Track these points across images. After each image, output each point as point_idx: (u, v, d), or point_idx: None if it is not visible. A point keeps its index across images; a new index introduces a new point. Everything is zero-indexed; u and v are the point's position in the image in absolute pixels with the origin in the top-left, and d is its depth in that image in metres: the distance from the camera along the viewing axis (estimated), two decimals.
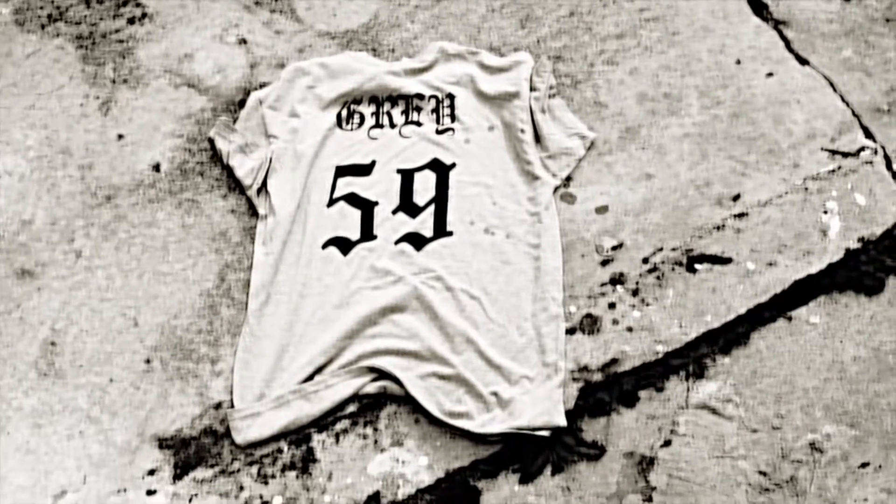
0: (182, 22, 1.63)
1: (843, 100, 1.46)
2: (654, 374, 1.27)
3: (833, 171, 1.40)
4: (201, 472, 1.23)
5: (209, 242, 1.40)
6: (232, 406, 1.26)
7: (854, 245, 1.34)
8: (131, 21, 1.64)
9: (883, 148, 1.41)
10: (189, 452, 1.24)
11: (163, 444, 1.25)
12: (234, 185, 1.44)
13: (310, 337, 1.31)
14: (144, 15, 1.64)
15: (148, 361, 1.31)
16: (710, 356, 1.28)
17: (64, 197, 1.44)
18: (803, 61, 1.51)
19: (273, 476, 1.22)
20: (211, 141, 1.48)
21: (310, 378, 1.28)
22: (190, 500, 1.21)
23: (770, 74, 1.49)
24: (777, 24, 1.56)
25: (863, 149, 1.42)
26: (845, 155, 1.41)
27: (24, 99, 1.54)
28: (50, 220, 1.42)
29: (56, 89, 1.55)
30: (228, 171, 1.45)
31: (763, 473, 1.20)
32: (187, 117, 1.52)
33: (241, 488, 1.21)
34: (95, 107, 1.53)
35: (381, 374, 1.28)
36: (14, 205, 1.44)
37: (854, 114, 1.45)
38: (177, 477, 1.23)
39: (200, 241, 1.40)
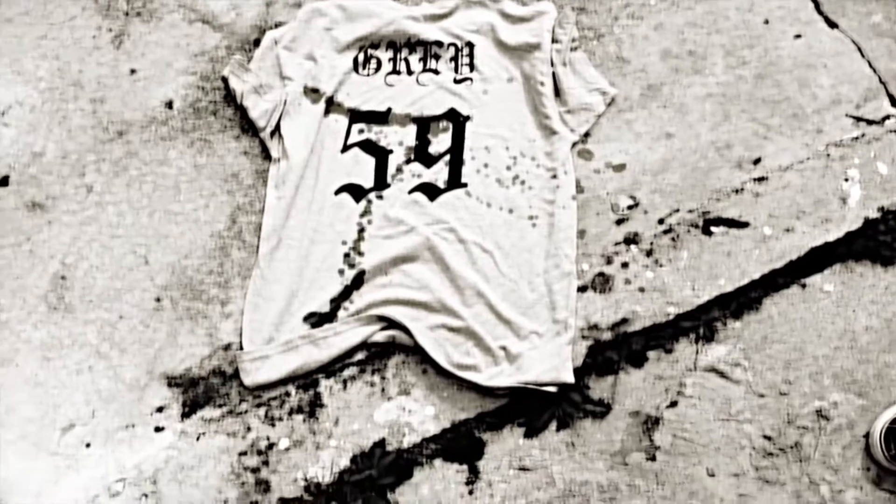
0: None
1: (870, 66, 1.43)
2: (663, 335, 1.27)
3: (857, 138, 1.38)
4: (209, 412, 1.23)
5: (221, 183, 1.38)
6: (241, 348, 1.26)
7: (873, 214, 1.32)
8: None
9: None
10: (197, 392, 1.25)
11: (171, 382, 1.25)
12: (248, 126, 1.42)
13: (320, 283, 1.30)
14: None
15: (158, 300, 1.30)
16: (721, 320, 1.28)
17: (75, 130, 1.42)
18: (832, 24, 1.47)
19: (280, 419, 1.23)
20: (224, 80, 1.45)
21: (318, 324, 1.28)
22: (197, 439, 1.22)
23: (798, 36, 1.46)
24: None
25: (888, 117, 1.39)
26: (870, 122, 1.39)
27: (35, 28, 1.51)
28: (61, 154, 1.41)
29: (68, 20, 1.52)
30: (242, 111, 1.42)
31: (768, 438, 1.20)
32: (201, 54, 1.49)
33: (249, 429, 1.22)
34: (108, 39, 1.50)
35: (390, 323, 1.27)
36: (25, 136, 1.42)
37: (881, 81, 1.42)
38: (185, 415, 1.23)
39: (212, 182, 1.39)
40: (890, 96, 1.41)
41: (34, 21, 1.52)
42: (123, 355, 1.27)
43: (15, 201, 1.37)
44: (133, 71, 1.47)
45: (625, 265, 1.32)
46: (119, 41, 1.50)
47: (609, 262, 1.32)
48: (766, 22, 1.47)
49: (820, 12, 1.48)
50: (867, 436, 1.21)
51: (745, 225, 1.33)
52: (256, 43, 1.49)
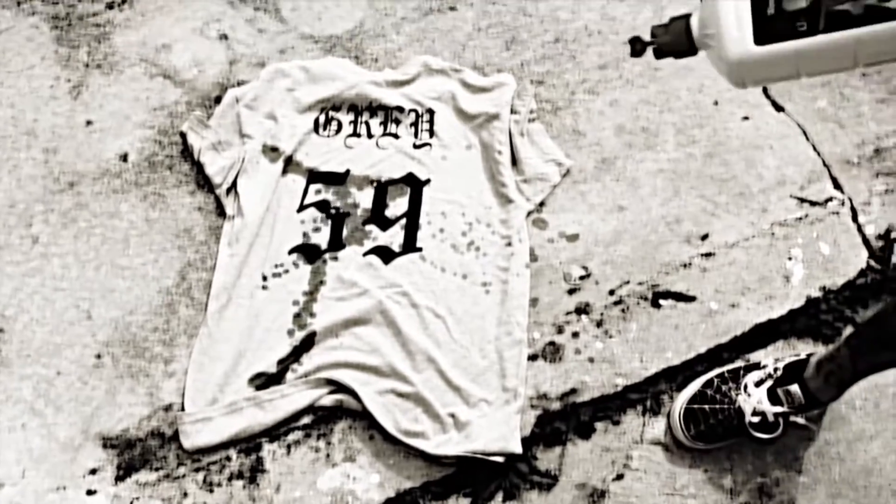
0: (163, 11, 1.59)
1: (814, 149, 1.49)
2: (611, 406, 1.27)
3: (800, 218, 1.42)
4: (145, 475, 1.19)
5: (172, 239, 1.37)
6: (183, 409, 1.23)
7: (815, 293, 1.36)
8: (110, 6, 1.60)
9: (850, 200, 1.44)
10: (134, 454, 1.21)
11: (107, 443, 1.21)
12: (203, 182, 1.42)
13: (268, 343, 1.28)
14: (124, 1, 1.60)
15: (98, 356, 1.27)
16: (667, 392, 1.29)
17: (25, 180, 1.40)
18: (779, 108, 1.53)
19: (219, 484, 1.19)
20: (183, 135, 1.45)
21: (264, 386, 1.25)
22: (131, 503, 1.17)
23: (746, 118, 1.51)
24: None
25: (830, 199, 1.44)
26: (813, 203, 1.44)
27: None
28: (8, 203, 1.38)
29: (26, 69, 1.51)
30: (198, 167, 1.42)
31: None
32: (160, 108, 1.48)
33: (185, 495, 1.18)
34: (66, 90, 1.49)
35: (338, 386, 1.26)
36: None
37: (825, 164, 1.47)
38: (119, 478, 1.19)
39: (163, 237, 1.37)
40: (833, 179, 1.46)
41: None
42: (59, 413, 1.22)
43: None
44: (89, 122, 1.46)
45: (575, 335, 1.32)
46: (77, 92, 1.49)
47: (560, 331, 1.33)
48: (716, 103, 1.53)
49: (767, 96, 1.54)
50: (668, 416, 1.26)
51: (692, 299, 1.35)
52: (217, 100, 1.49)
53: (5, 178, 1.40)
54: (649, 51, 0.73)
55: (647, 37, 0.72)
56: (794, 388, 1.18)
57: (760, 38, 0.61)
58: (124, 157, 1.43)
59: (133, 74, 1.51)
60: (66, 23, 1.57)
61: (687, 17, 0.70)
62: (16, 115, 1.46)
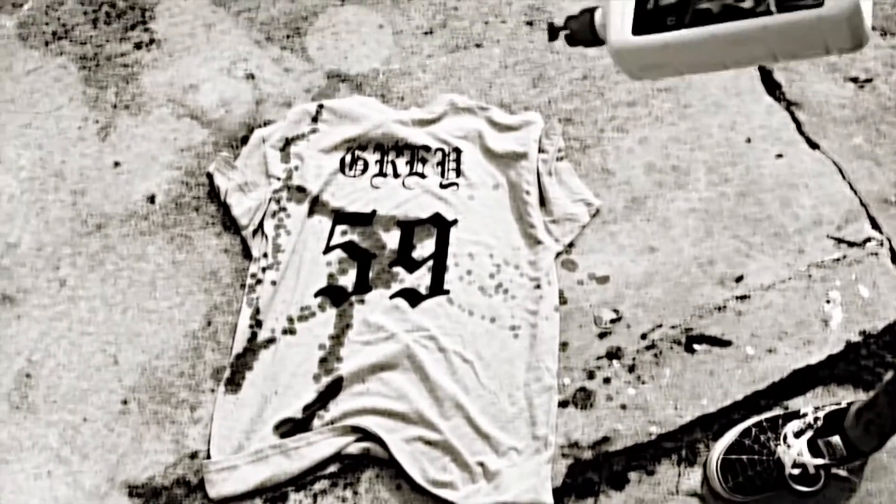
0: (190, 51, 1.60)
1: (851, 188, 1.45)
2: (645, 455, 1.24)
3: (838, 259, 1.38)
4: None
5: (199, 281, 1.36)
6: (208, 457, 1.22)
7: (855, 338, 1.32)
8: (138, 46, 1.61)
9: (889, 240, 1.40)
10: (159, 503, 1.19)
11: (133, 491, 1.20)
12: (230, 223, 1.41)
13: (294, 389, 1.27)
14: (152, 41, 1.61)
15: (125, 402, 1.26)
16: (703, 441, 1.25)
17: (53, 222, 1.40)
18: (814, 145, 1.50)
19: None
20: (209, 176, 1.44)
21: (290, 433, 1.23)
22: None
23: (780, 156, 1.48)
24: (789, 105, 1.55)
25: (869, 239, 1.40)
26: (851, 244, 1.40)
27: (20, 117, 1.51)
28: (36, 246, 1.38)
29: (55, 109, 1.52)
30: (225, 208, 1.41)
31: None
32: (187, 149, 1.48)
33: None
34: (94, 131, 1.50)
35: (365, 434, 1.24)
36: (1, 226, 1.39)
37: (862, 203, 1.44)
38: None
39: (190, 280, 1.36)
40: (871, 219, 1.42)
41: (19, 109, 1.51)
42: (84, 461, 1.21)
43: None
44: (117, 164, 1.46)
45: (607, 381, 1.29)
46: (105, 133, 1.49)
47: (591, 376, 1.30)
48: (749, 140, 1.50)
49: (801, 133, 1.51)
50: (704, 466, 1.21)
51: (727, 343, 1.32)
52: (244, 140, 1.49)
53: (33, 220, 1.40)
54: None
55: (561, 24, 0.79)
56: (836, 439, 1.14)
57: (638, 29, 0.67)
58: (151, 199, 1.43)
59: (160, 115, 1.52)
60: (94, 63, 1.58)
61: (594, 9, 0.75)
62: (44, 157, 1.46)
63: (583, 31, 0.75)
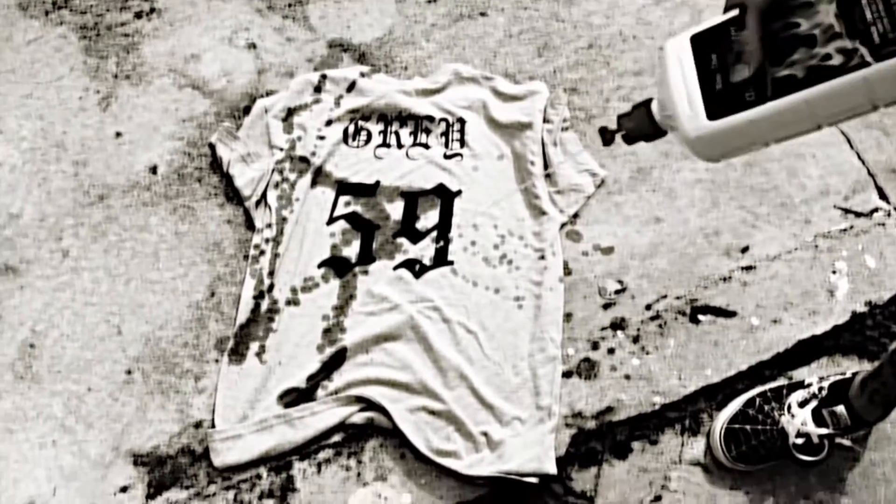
0: (191, 20, 1.58)
1: (859, 157, 1.44)
2: (649, 425, 1.24)
3: (844, 230, 1.37)
4: (175, 494, 1.18)
5: (202, 252, 1.36)
6: (213, 426, 1.22)
7: (861, 308, 1.31)
8: (139, 15, 1.59)
9: None
10: (164, 471, 1.20)
11: (138, 460, 1.20)
12: (233, 194, 1.40)
13: (298, 359, 1.27)
14: (153, 10, 1.59)
15: (129, 372, 1.26)
16: (707, 411, 1.25)
17: (55, 193, 1.40)
18: None
19: (250, 503, 1.18)
20: (212, 147, 1.43)
21: (294, 403, 1.23)
22: None
23: None
24: None
25: (876, 209, 1.39)
26: (858, 214, 1.39)
27: (21, 87, 1.49)
28: (39, 216, 1.37)
29: (55, 80, 1.50)
30: (227, 179, 1.40)
31: None
32: (189, 120, 1.47)
33: None
34: (95, 101, 1.48)
35: (369, 404, 1.24)
36: (2, 197, 1.39)
37: (870, 173, 1.42)
38: (150, 496, 1.18)
39: (193, 251, 1.36)
40: (878, 189, 1.41)
41: (20, 80, 1.50)
42: (89, 430, 1.22)
43: None
44: (118, 134, 1.45)
45: (611, 351, 1.29)
46: (106, 103, 1.48)
47: (595, 347, 1.29)
48: None
49: None
50: (708, 435, 1.21)
51: (732, 314, 1.31)
52: (246, 111, 1.47)
53: (35, 191, 1.40)
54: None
55: (613, 126, 0.73)
56: (840, 408, 1.14)
57: (713, 113, 0.61)
58: (154, 170, 1.42)
59: (162, 85, 1.50)
60: (95, 33, 1.57)
61: (648, 102, 0.70)
62: (45, 128, 1.45)
63: (642, 128, 0.70)
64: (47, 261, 1.34)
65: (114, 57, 1.54)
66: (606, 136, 0.75)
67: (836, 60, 0.56)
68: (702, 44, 0.64)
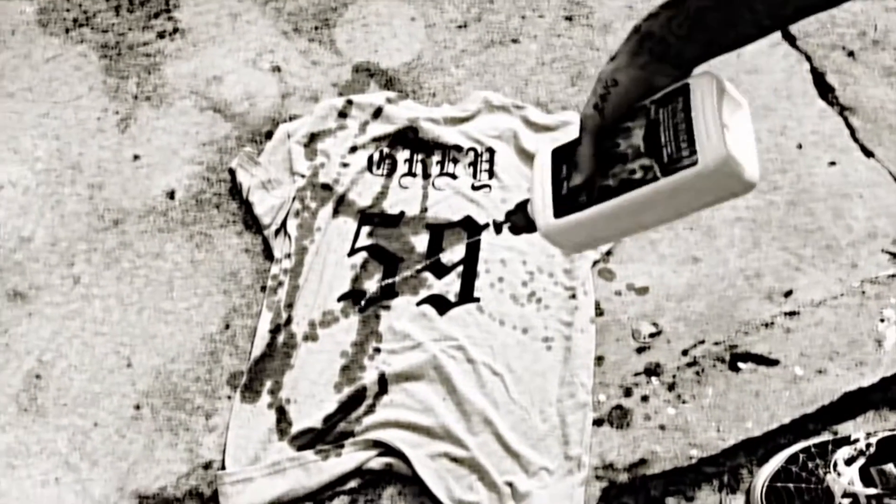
0: (215, 41, 1.54)
1: None
2: (685, 480, 1.17)
3: (893, 275, 1.30)
4: None
5: (218, 282, 1.30)
6: (223, 467, 1.16)
7: None
8: (161, 35, 1.55)
9: None
10: None
11: (143, 502, 1.14)
12: (252, 222, 1.35)
13: (315, 399, 1.21)
14: (176, 30, 1.56)
15: (137, 407, 1.20)
16: (747, 467, 1.17)
17: (68, 216, 1.35)
18: (868, 153, 1.42)
19: None
20: (232, 172, 1.38)
21: (309, 445, 1.17)
22: None
23: (832, 164, 1.40)
24: (843, 111, 1.47)
25: None
26: None
27: (38, 106, 1.45)
28: (50, 240, 1.33)
29: (73, 99, 1.46)
30: (247, 206, 1.35)
31: None
32: (209, 144, 1.43)
33: None
34: (113, 122, 1.44)
35: (387, 448, 1.17)
36: (14, 219, 1.34)
37: None
38: None
39: (209, 280, 1.30)
40: None
41: (37, 98, 1.46)
42: (94, 468, 1.16)
43: None
44: (136, 157, 1.41)
45: (645, 398, 1.22)
46: (125, 125, 1.44)
47: (628, 393, 1.22)
48: (800, 147, 1.42)
49: (856, 140, 1.43)
50: (748, 493, 1.14)
51: (774, 363, 1.24)
52: (268, 135, 1.43)
53: (48, 214, 1.35)
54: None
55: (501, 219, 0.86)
56: (890, 467, 1.07)
57: (558, 212, 0.73)
58: (171, 195, 1.38)
59: (183, 107, 1.46)
60: (116, 52, 1.53)
61: (527, 201, 0.81)
62: (61, 148, 1.41)
63: (522, 221, 0.82)
64: (58, 287, 1.29)
65: (134, 77, 1.50)
66: (497, 229, 0.87)
67: (638, 175, 0.68)
68: (558, 155, 0.76)
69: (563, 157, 0.75)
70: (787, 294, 1.29)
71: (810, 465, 1.12)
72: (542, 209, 0.75)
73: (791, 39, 1.55)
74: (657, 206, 0.69)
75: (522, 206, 0.82)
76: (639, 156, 0.68)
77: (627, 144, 0.69)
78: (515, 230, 0.85)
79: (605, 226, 0.72)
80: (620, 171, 0.69)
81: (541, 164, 0.78)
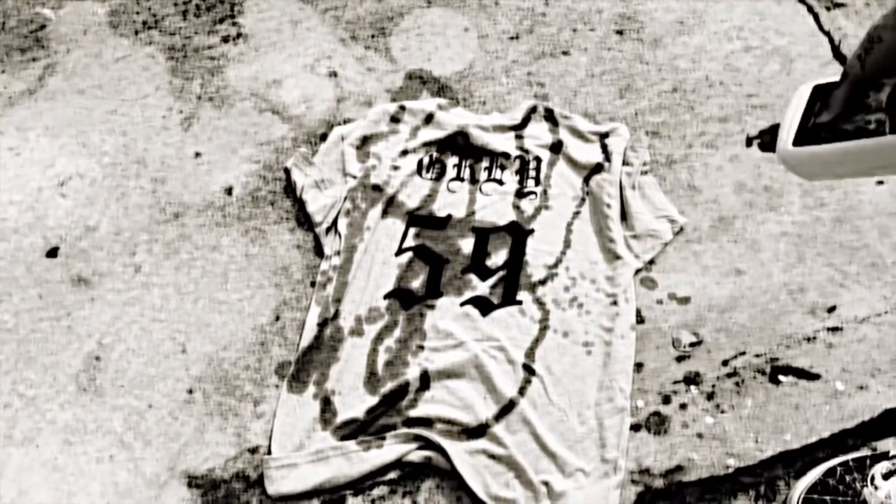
0: (276, 47, 1.60)
1: None
2: (721, 489, 1.17)
3: None
4: None
5: (270, 276, 1.35)
6: (269, 453, 1.20)
7: None
8: (225, 39, 1.62)
9: None
10: (217, 495, 1.18)
11: (192, 482, 1.19)
12: (304, 219, 1.40)
13: (359, 392, 1.24)
14: (239, 35, 1.62)
15: (190, 392, 1.25)
16: (784, 479, 1.17)
17: (132, 208, 1.41)
18: None
19: None
20: (287, 171, 1.44)
21: (352, 436, 1.21)
22: None
23: (880, 182, 1.40)
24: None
25: None
26: None
27: (106, 103, 1.53)
28: (114, 230, 1.39)
29: (140, 97, 1.54)
30: (300, 204, 1.40)
31: None
32: (267, 143, 1.48)
33: None
34: (178, 121, 1.51)
35: (427, 442, 1.20)
36: (81, 209, 1.41)
37: None
38: None
39: (261, 273, 1.35)
40: None
41: (106, 95, 1.53)
42: (147, 447, 1.21)
43: (61, 274, 1.35)
44: (198, 154, 1.47)
45: (683, 406, 1.23)
46: (188, 123, 1.50)
47: (666, 401, 1.24)
48: None
49: None
50: None
51: (816, 377, 1.24)
52: (323, 137, 1.48)
53: (113, 205, 1.42)
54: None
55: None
56: None
57: (797, 141, 0.79)
58: (229, 191, 1.43)
59: (243, 108, 1.52)
60: (182, 54, 1.60)
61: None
62: (127, 144, 1.48)
63: (768, 140, 0.93)
64: (119, 275, 1.35)
65: (198, 79, 1.56)
66: (748, 141, 0.95)
67: (872, 126, 0.74)
68: (817, 92, 0.81)
69: (820, 94, 0.80)
70: (831, 310, 1.29)
71: (848, 478, 1.12)
72: (786, 135, 0.81)
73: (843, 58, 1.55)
74: (880, 156, 0.74)
75: (775, 128, 0.89)
76: (879, 110, 0.73)
77: (875, 97, 0.74)
78: (763, 147, 0.92)
79: (832, 164, 0.78)
80: (860, 119, 0.75)
81: (800, 94, 0.83)
